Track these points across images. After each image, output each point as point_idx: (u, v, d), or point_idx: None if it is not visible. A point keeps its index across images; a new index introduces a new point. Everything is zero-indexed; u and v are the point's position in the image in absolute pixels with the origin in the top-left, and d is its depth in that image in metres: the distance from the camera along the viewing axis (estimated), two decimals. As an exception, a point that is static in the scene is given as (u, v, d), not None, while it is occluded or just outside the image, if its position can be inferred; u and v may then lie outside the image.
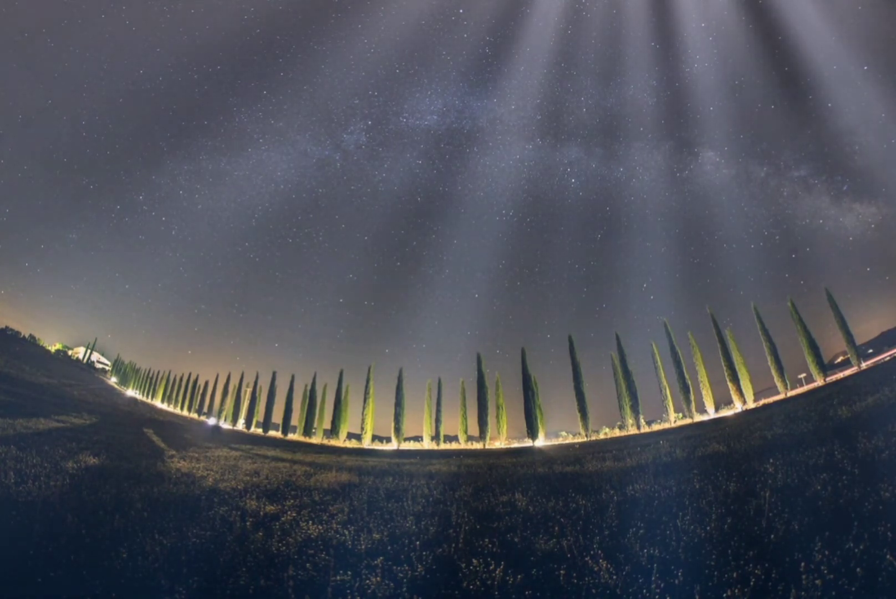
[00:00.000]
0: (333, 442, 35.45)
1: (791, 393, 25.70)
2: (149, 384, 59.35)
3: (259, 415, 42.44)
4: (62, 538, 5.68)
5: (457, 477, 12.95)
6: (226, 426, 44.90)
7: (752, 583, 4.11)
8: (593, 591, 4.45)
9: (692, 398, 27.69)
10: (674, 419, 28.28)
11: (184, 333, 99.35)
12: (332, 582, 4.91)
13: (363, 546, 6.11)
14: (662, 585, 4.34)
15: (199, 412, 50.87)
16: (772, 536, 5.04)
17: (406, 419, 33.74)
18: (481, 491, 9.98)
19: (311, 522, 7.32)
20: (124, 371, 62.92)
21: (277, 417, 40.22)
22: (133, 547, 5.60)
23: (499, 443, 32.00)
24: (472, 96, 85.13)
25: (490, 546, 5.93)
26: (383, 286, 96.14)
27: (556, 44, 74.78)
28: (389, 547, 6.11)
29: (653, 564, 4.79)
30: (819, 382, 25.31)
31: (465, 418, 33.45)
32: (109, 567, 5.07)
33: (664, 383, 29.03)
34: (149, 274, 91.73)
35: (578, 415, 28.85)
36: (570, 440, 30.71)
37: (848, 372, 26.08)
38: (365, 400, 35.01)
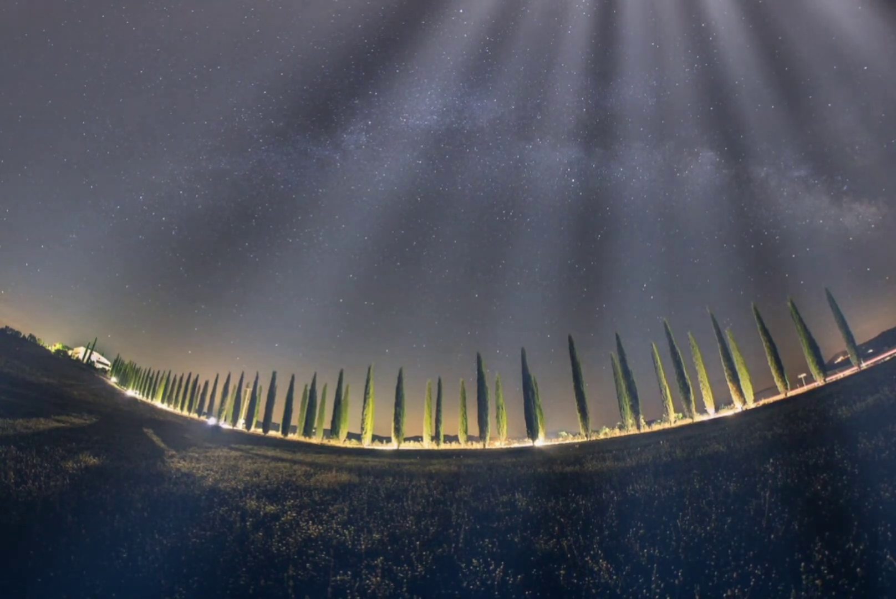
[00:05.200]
0: (333, 442, 35.45)
1: (791, 393, 25.69)
2: (149, 384, 59.35)
3: (259, 415, 42.44)
4: (62, 538, 5.68)
5: (457, 477, 12.94)
6: (226, 426, 44.90)
7: (752, 583, 4.11)
8: (593, 591, 4.45)
9: (692, 398, 27.69)
10: (674, 419, 28.28)
11: (184, 333, 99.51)
12: (332, 582, 4.91)
13: (363, 546, 6.11)
14: (662, 585, 4.34)
15: (199, 412, 50.88)
16: (772, 536, 5.04)
17: (406, 419, 33.75)
18: (481, 491, 9.97)
19: (311, 522, 7.31)
20: (124, 371, 62.91)
21: (277, 417, 40.25)
22: (133, 547, 5.60)
23: (499, 443, 32.00)
24: (472, 96, 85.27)
25: (490, 546, 5.93)
26: (383, 286, 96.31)
27: (556, 44, 74.83)
28: (389, 547, 6.11)
29: (653, 564, 4.79)
30: (819, 382, 25.31)
31: (465, 418, 33.45)
32: (109, 567, 5.07)
33: (664, 383, 29.03)
34: (149, 274, 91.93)
35: (578, 415, 28.84)
36: (570, 440, 30.70)
37: (848, 372, 26.08)
38: (365, 400, 35.01)
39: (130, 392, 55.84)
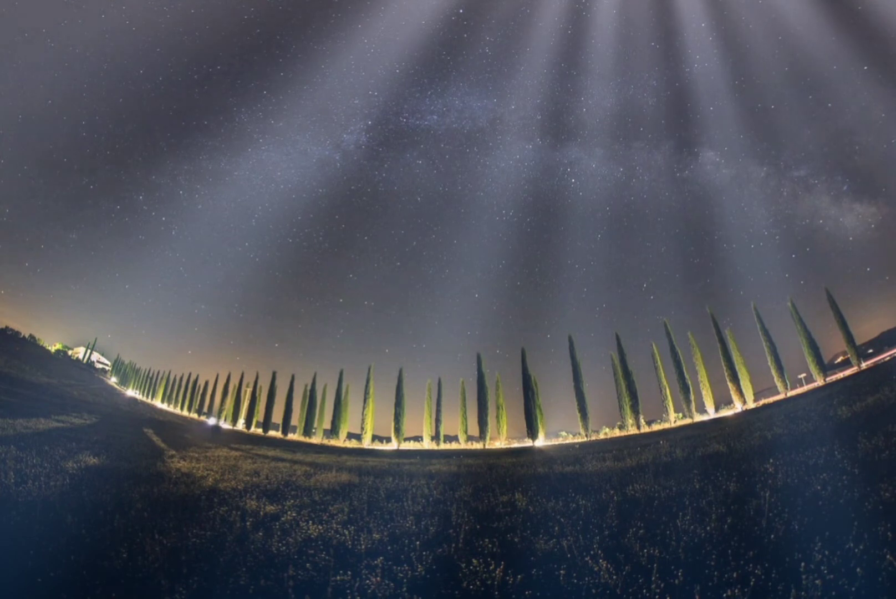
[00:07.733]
0: (333, 442, 35.45)
1: (791, 393, 25.69)
2: (149, 384, 59.35)
3: (259, 415, 42.42)
4: (62, 538, 5.68)
5: (457, 477, 12.94)
6: (226, 426, 44.90)
7: (752, 583, 4.11)
8: (593, 591, 4.45)
9: (692, 398, 27.69)
10: (674, 419, 28.27)
11: (184, 333, 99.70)
12: (332, 582, 4.91)
13: (363, 546, 6.10)
14: (662, 585, 4.34)
15: (199, 412, 50.87)
16: (772, 536, 5.04)
17: (406, 419, 33.75)
18: (481, 491, 9.97)
19: (311, 522, 7.31)
20: (124, 371, 62.92)
21: (277, 417, 40.25)
22: (133, 547, 5.59)
23: (499, 443, 31.99)
24: (472, 96, 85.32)
25: (490, 546, 5.93)
26: (383, 286, 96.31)
27: (556, 44, 74.85)
28: (389, 547, 6.11)
29: (653, 564, 4.79)
30: (819, 382, 25.30)
31: (465, 418, 33.45)
32: (109, 567, 5.07)
33: (664, 383, 29.02)
34: (149, 274, 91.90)
35: (578, 415, 28.85)
36: (570, 440, 30.70)
37: (848, 372, 26.08)
38: (365, 400, 35.00)
39: (130, 392, 55.85)
